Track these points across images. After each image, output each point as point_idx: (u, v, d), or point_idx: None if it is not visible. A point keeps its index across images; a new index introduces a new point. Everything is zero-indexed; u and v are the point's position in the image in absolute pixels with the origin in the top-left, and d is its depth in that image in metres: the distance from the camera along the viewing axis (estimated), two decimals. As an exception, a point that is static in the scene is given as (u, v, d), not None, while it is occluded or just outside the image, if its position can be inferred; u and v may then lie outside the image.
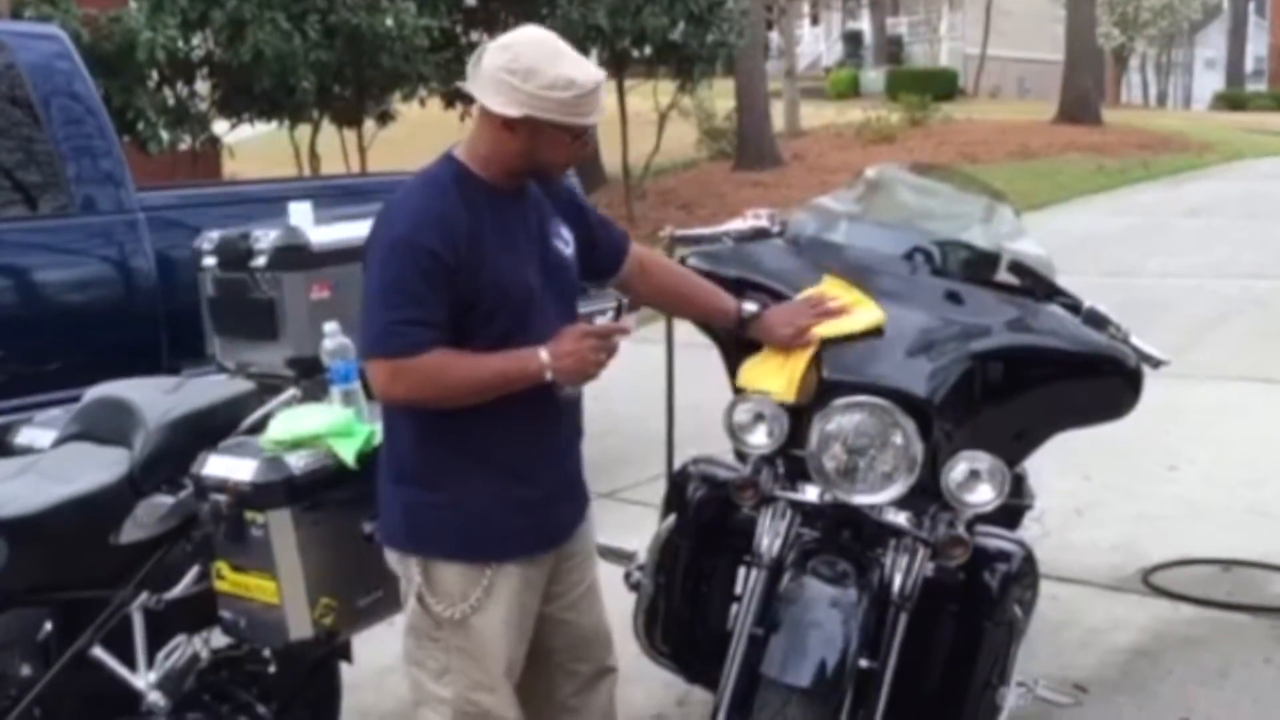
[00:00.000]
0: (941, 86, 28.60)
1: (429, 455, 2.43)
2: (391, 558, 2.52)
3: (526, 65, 2.28)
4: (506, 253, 2.39)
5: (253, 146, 14.01)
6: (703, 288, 2.82)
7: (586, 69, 2.33)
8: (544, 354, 2.34)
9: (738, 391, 2.75)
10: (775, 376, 2.70)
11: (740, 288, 2.86)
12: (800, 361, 2.69)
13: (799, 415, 2.63)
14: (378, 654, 3.55)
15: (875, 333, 2.70)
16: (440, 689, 2.50)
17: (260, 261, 3.11)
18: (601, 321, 2.43)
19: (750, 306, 2.76)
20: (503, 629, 2.47)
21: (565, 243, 2.55)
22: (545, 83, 2.28)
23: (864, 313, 2.73)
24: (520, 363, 2.34)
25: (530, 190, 2.50)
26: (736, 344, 2.94)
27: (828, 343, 2.69)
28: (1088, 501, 5.14)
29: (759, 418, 2.65)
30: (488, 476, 2.43)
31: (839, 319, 2.72)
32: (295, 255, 3.10)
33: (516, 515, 2.46)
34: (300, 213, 3.16)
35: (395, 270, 2.29)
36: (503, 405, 2.37)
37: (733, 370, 2.99)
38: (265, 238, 3.13)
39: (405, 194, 2.41)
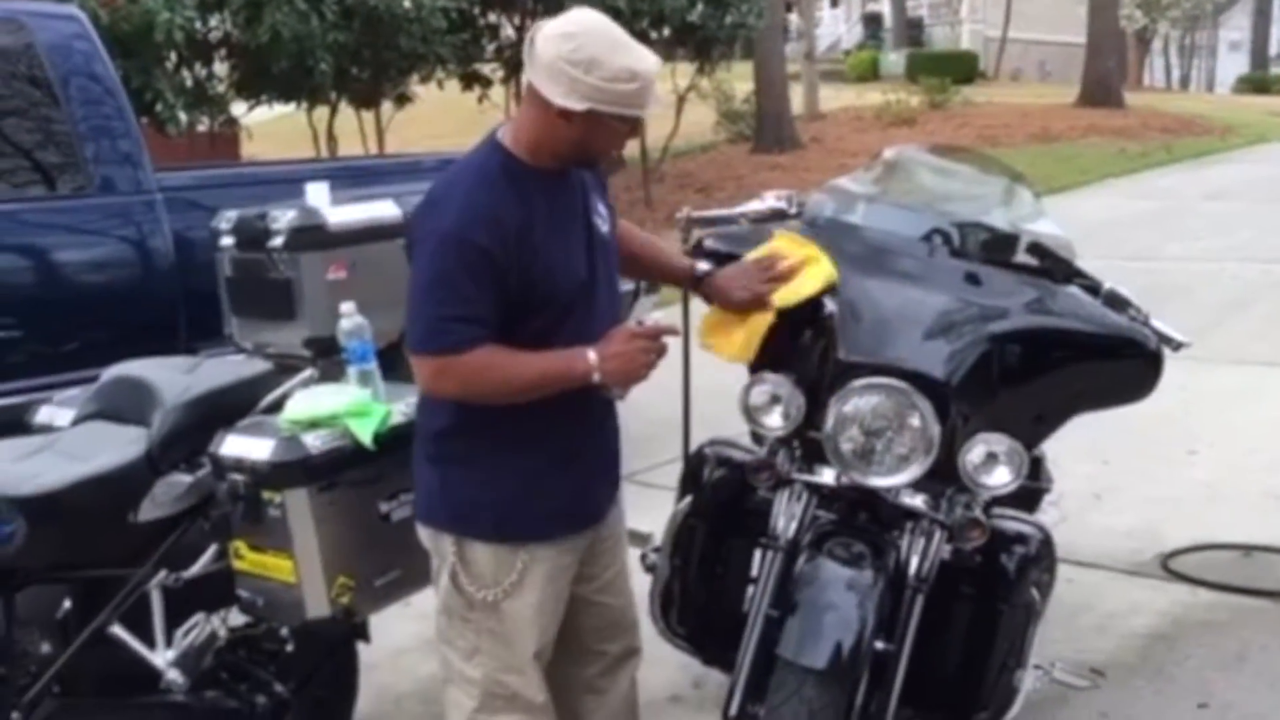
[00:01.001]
0: (962, 69, 28.39)
1: (467, 438, 2.42)
2: (424, 534, 2.52)
3: (589, 56, 2.22)
4: (559, 241, 2.37)
5: (271, 128, 14.03)
6: (660, 249, 2.87)
7: (646, 59, 2.28)
8: (592, 355, 2.31)
9: (754, 373, 2.74)
10: (733, 338, 2.73)
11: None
12: (760, 326, 2.71)
13: (815, 397, 2.63)
14: (396, 634, 3.58)
15: (830, 290, 2.72)
16: (469, 669, 2.50)
17: (277, 241, 3.10)
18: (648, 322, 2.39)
19: (703, 266, 2.80)
20: (534, 613, 2.47)
21: (603, 219, 2.53)
22: (608, 75, 2.23)
23: (815, 271, 2.73)
24: (568, 364, 2.32)
25: (572, 170, 2.47)
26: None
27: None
28: (1106, 485, 5.12)
29: (775, 399, 2.64)
30: (527, 461, 2.43)
31: (792, 282, 2.72)
32: (312, 235, 3.09)
33: (553, 499, 2.46)
34: (317, 193, 3.16)
35: (442, 265, 2.26)
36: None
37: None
38: (282, 218, 3.12)
39: (452, 183, 2.36)
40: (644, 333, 2.36)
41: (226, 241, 3.25)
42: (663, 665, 3.51)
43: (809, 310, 2.75)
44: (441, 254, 2.27)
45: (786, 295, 2.72)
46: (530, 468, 2.43)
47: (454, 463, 2.44)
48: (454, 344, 2.26)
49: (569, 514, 2.51)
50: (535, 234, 2.32)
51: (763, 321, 2.72)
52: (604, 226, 2.52)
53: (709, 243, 2.95)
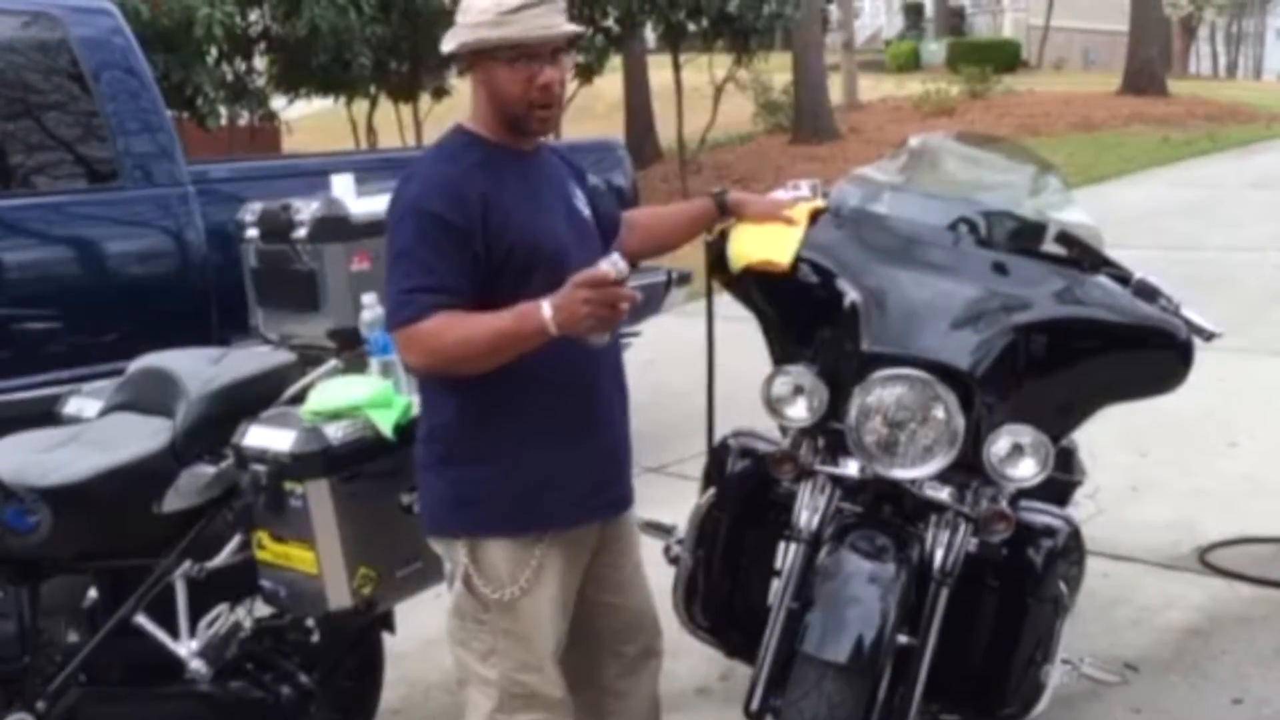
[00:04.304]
0: (1004, 58, 28.15)
1: (478, 430, 2.40)
2: (437, 545, 2.50)
3: (465, 4, 2.33)
4: (534, 209, 2.38)
5: (311, 122, 14.13)
6: (670, 209, 2.91)
7: None
8: (546, 307, 2.19)
9: (774, 361, 2.72)
10: (772, 246, 2.77)
11: None
12: (793, 238, 2.78)
13: (839, 388, 2.60)
14: (425, 625, 3.56)
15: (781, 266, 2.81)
16: (486, 670, 2.48)
17: (301, 233, 3.10)
18: (604, 266, 2.19)
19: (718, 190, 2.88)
20: (550, 609, 2.46)
21: (584, 204, 2.54)
22: (475, 11, 2.31)
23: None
24: (522, 317, 2.22)
25: (544, 150, 2.50)
26: (777, 317, 2.92)
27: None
28: (1144, 478, 5.05)
29: (798, 390, 2.61)
30: (539, 444, 2.40)
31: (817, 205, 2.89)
32: (336, 227, 3.09)
33: (568, 486, 2.44)
34: (342, 184, 3.16)
35: (402, 240, 2.30)
36: (545, 369, 2.33)
37: (773, 345, 2.97)
38: (306, 209, 3.12)
39: (416, 165, 2.41)
40: (586, 280, 2.16)
41: (251, 233, 3.26)
42: (689, 658, 3.49)
43: (833, 299, 2.72)
44: (402, 230, 2.31)
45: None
46: (541, 456, 2.41)
47: (464, 463, 2.41)
48: (413, 313, 2.26)
49: (586, 500, 2.48)
50: (505, 201, 2.33)
51: (795, 233, 2.78)
52: (584, 210, 2.54)
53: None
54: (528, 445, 2.40)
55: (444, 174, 2.33)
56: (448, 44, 2.36)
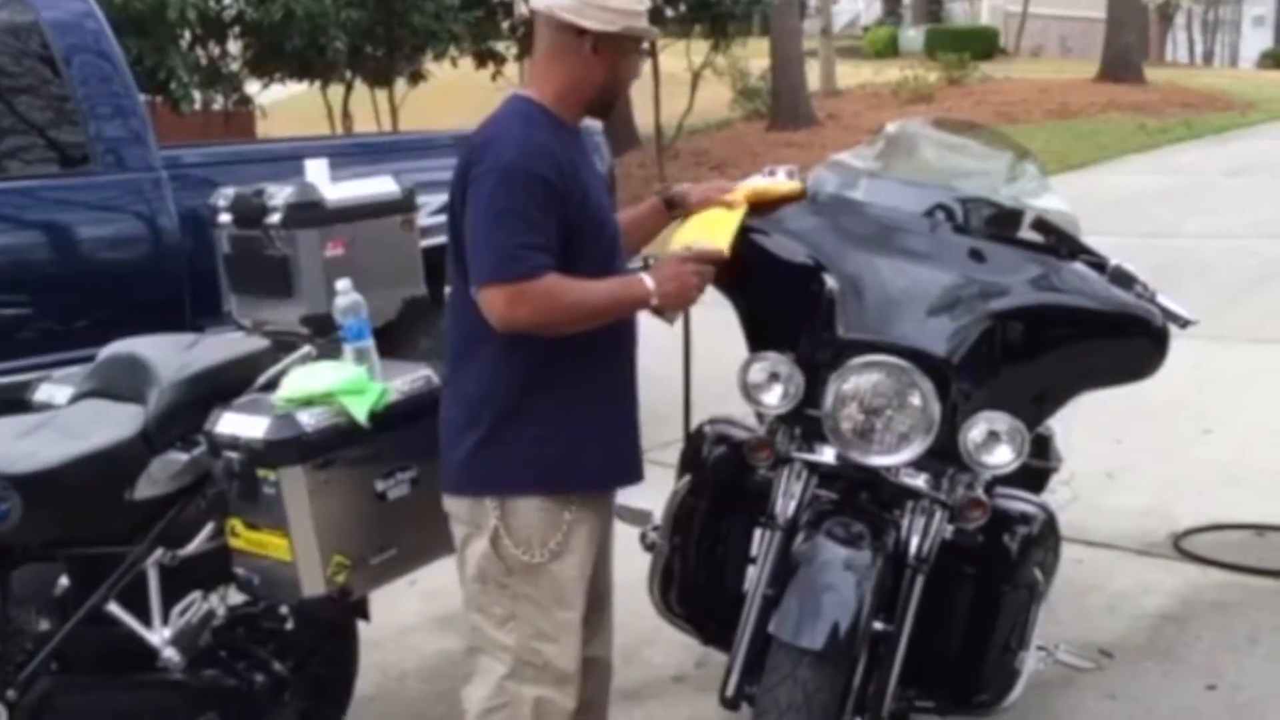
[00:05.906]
0: (981, 45, 28.22)
1: (521, 392, 2.43)
2: (457, 505, 2.51)
3: None
4: (597, 187, 2.50)
5: (286, 107, 14.05)
6: (632, 210, 2.92)
7: None
8: (649, 280, 2.43)
9: (750, 347, 2.71)
10: (708, 233, 2.72)
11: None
12: (733, 222, 2.76)
13: (815, 374, 2.60)
14: (400, 612, 3.58)
15: (798, 196, 2.89)
16: (503, 636, 2.51)
17: (275, 218, 3.07)
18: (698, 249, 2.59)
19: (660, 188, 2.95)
20: (575, 574, 2.50)
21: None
22: None
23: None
24: (629, 288, 2.44)
25: (582, 131, 2.61)
26: (754, 303, 2.92)
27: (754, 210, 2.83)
28: (1118, 465, 5.08)
29: (774, 377, 2.61)
30: (580, 407, 2.46)
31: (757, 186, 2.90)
32: (309, 212, 3.05)
33: (604, 445, 2.52)
34: (316, 170, 3.12)
35: (509, 197, 2.33)
36: (591, 336, 2.41)
37: (749, 332, 2.96)
38: (279, 194, 3.08)
39: (502, 127, 2.43)
40: (693, 256, 2.53)
41: (224, 219, 3.23)
42: (666, 645, 3.50)
43: (809, 285, 2.72)
44: (507, 186, 2.33)
45: (750, 190, 2.87)
46: (581, 420, 2.47)
47: (502, 422, 2.43)
48: (528, 270, 2.31)
49: (616, 466, 2.57)
50: (583, 175, 2.44)
51: (734, 219, 2.76)
52: (605, 194, 2.64)
53: None
54: (570, 408, 2.46)
55: (541, 139, 2.39)
56: (610, 24, 2.40)
